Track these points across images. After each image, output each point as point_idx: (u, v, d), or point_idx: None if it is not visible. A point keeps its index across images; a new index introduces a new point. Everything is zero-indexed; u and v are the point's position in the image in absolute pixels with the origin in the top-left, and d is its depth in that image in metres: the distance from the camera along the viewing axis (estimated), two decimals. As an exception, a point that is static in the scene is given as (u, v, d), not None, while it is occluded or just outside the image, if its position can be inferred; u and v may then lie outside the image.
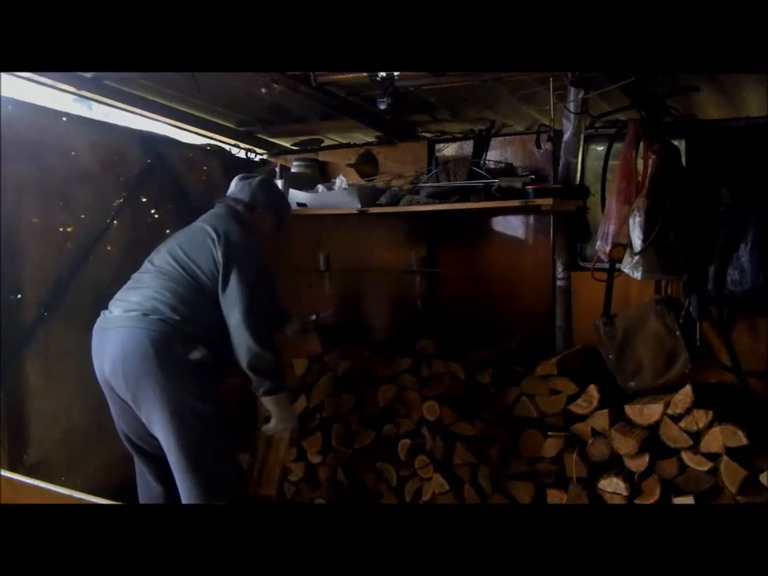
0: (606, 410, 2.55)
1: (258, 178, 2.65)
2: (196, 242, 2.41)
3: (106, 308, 2.41)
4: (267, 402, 2.42)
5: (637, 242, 2.53)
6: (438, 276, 3.44)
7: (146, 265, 2.47)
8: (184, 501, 2.28)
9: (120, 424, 2.44)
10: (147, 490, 2.49)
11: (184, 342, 2.26)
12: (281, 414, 2.45)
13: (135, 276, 2.47)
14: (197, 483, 2.25)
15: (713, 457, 2.34)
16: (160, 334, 2.23)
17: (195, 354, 2.26)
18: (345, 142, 3.83)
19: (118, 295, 2.43)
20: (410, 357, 2.99)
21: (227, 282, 2.30)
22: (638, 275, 2.56)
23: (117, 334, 2.29)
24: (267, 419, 2.55)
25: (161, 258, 2.43)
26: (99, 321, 2.39)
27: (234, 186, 2.64)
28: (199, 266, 2.34)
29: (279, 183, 3.38)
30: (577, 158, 2.85)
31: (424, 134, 3.60)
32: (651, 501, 2.42)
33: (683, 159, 2.71)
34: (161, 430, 2.25)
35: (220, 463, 2.33)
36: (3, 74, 2.38)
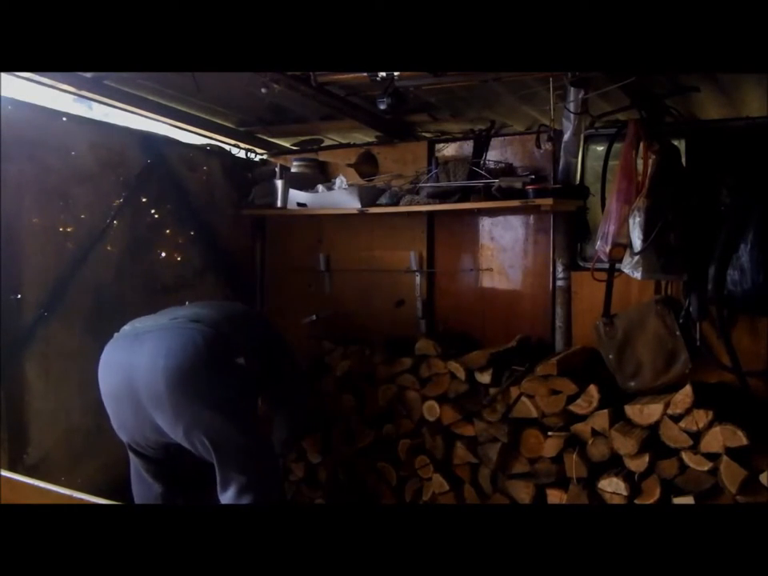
0: (605, 410, 2.55)
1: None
2: (241, 308, 2.77)
3: (117, 331, 2.42)
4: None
5: (637, 242, 2.53)
6: (438, 276, 3.44)
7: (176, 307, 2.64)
8: (226, 499, 2.26)
9: (122, 430, 2.38)
10: (146, 490, 2.47)
11: (230, 347, 2.32)
12: None
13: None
14: (255, 478, 2.27)
15: (713, 457, 2.34)
16: (212, 336, 2.27)
17: (240, 360, 2.32)
18: (345, 142, 3.83)
19: (149, 316, 2.46)
20: (409, 357, 2.99)
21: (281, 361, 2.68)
22: (637, 275, 2.56)
23: (161, 334, 2.28)
24: None
25: (202, 302, 2.72)
26: (125, 331, 2.38)
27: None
28: (248, 313, 2.69)
29: (279, 183, 3.39)
30: (577, 157, 2.85)
31: (424, 134, 3.60)
32: (651, 501, 2.42)
33: (683, 159, 2.71)
34: (210, 428, 2.21)
35: (264, 460, 2.38)
36: (3, 74, 2.38)
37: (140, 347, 2.26)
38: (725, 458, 2.30)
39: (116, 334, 2.39)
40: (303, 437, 3.07)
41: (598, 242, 2.66)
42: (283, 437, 2.76)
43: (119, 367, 2.29)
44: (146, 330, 2.33)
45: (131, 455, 2.47)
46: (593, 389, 2.59)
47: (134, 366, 2.24)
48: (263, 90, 2.69)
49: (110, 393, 2.32)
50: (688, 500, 2.36)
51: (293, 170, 3.57)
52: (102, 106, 3.15)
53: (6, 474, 1.38)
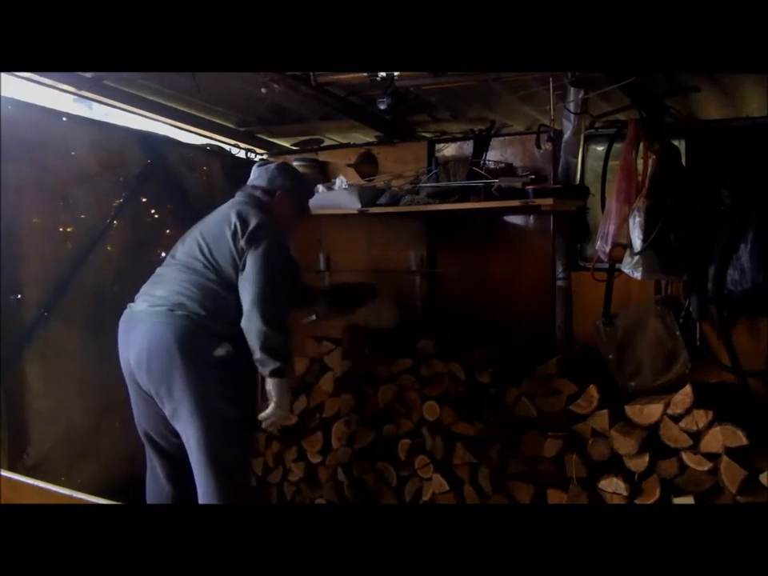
0: (605, 410, 2.55)
1: (276, 163, 2.67)
2: (216, 232, 2.39)
3: (132, 301, 2.42)
4: (272, 385, 2.33)
5: (637, 242, 2.53)
6: (438, 276, 3.43)
7: (169, 258, 2.48)
8: (201, 498, 2.28)
9: (140, 419, 2.43)
10: (157, 489, 2.48)
11: (209, 339, 2.26)
12: (281, 401, 2.35)
13: (159, 270, 2.48)
14: (214, 481, 2.26)
15: (713, 457, 2.33)
16: (185, 330, 2.23)
17: (220, 351, 2.26)
18: (345, 142, 3.83)
19: (143, 289, 2.44)
20: (409, 357, 2.99)
21: (245, 264, 2.30)
22: (637, 275, 2.56)
23: (142, 329, 2.29)
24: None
25: (183, 251, 2.42)
26: (125, 314, 2.40)
27: (252, 173, 2.64)
28: (221, 257, 2.33)
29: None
30: (577, 157, 2.85)
31: (424, 134, 3.60)
32: (651, 501, 2.42)
33: (683, 159, 2.71)
34: (183, 426, 2.26)
35: (238, 463, 2.35)
36: (3, 74, 2.38)
37: (130, 340, 2.32)
38: (725, 458, 2.29)
39: (126, 311, 2.42)
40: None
41: (598, 242, 2.66)
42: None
43: (123, 359, 2.37)
44: (135, 318, 2.35)
45: (148, 449, 2.47)
46: (593, 389, 2.59)
47: (130, 361, 2.32)
48: (263, 90, 2.70)
49: (125, 377, 2.39)
50: (688, 500, 2.36)
51: (293, 170, 3.57)
52: (102, 105, 3.15)
53: (5, 473, 1.37)
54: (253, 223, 2.35)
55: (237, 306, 2.30)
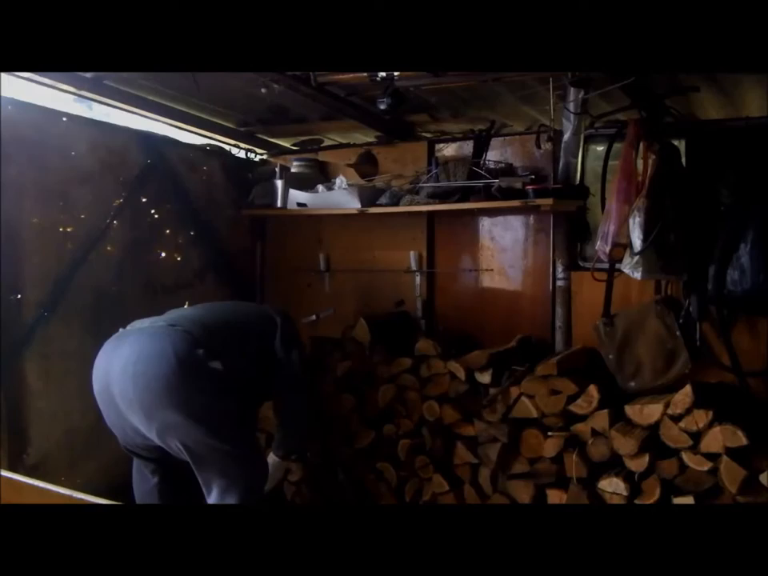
0: (605, 410, 2.55)
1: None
2: (253, 307, 2.75)
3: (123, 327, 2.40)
4: (278, 463, 2.69)
5: (637, 242, 2.53)
6: (438, 276, 3.44)
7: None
8: (211, 501, 2.25)
9: (113, 432, 2.38)
10: (142, 482, 2.48)
11: (205, 351, 2.24)
12: (276, 476, 2.75)
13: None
14: (221, 479, 2.24)
15: (713, 457, 2.33)
16: (182, 341, 2.22)
17: (215, 364, 2.25)
18: (345, 142, 3.83)
19: (145, 319, 2.41)
20: (409, 357, 2.99)
21: (291, 366, 2.56)
22: (637, 275, 2.56)
23: (137, 338, 2.26)
24: None
25: (199, 305, 2.64)
26: (114, 336, 2.35)
27: None
28: (252, 320, 2.57)
29: (279, 183, 3.39)
30: (577, 158, 2.85)
31: (424, 134, 3.60)
32: (651, 501, 2.42)
33: (683, 159, 2.71)
34: (172, 432, 2.19)
35: (243, 463, 2.33)
36: (3, 74, 2.38)
37: (117, 352, 2.26)
38: (725, 458, 2.29)
39: (114, 335, 2.38)
40: (302, 448, 2.89)
41: (598, 242, 2.66)
42: (283, 442, 2.67)
43: (100, 371, 2.28)
44: (128, 333, 2.32)
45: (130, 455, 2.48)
46: (593, 389, 2.59)
47: (110, 371, 2.24)
48: (263, 90, 2.69)
49: (96, 396, 2.31)
50: (688, 500, 2.36)
51: (293, 170, 3.57)
52: (102, 106, 3.15)
53: (6, 473, 1.37)
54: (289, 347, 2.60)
55: (242, 348, 2.42)
